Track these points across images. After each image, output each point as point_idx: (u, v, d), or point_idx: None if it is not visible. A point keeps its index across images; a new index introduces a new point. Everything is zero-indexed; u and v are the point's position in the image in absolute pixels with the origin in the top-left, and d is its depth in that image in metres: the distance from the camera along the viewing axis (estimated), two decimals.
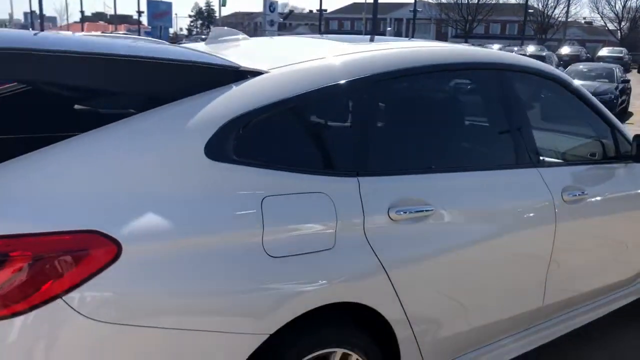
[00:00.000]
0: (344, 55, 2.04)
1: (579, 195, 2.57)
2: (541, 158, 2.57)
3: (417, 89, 2.27)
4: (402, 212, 1.92)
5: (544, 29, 53.38)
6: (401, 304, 1.93)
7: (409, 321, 1.97)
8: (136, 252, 1.40)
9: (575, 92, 2.85)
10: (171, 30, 42.77)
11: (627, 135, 3.00)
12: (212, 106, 1.65)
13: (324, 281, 1.72)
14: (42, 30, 24.68)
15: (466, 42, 39.98)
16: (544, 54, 22.12)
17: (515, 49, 32.04)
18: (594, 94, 14.16)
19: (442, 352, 2.20)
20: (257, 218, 1.61)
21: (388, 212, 1.89)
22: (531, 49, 31.31)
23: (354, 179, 1.86)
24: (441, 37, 66.76)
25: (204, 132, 1.60)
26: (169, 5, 38.68)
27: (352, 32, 69.36)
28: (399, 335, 1.97)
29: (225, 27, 2.64)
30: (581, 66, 16.66)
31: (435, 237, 2.02)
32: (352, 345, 1.86)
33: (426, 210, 1.99)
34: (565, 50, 33.79)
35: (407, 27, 55.14)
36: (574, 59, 29.01)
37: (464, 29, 51.77)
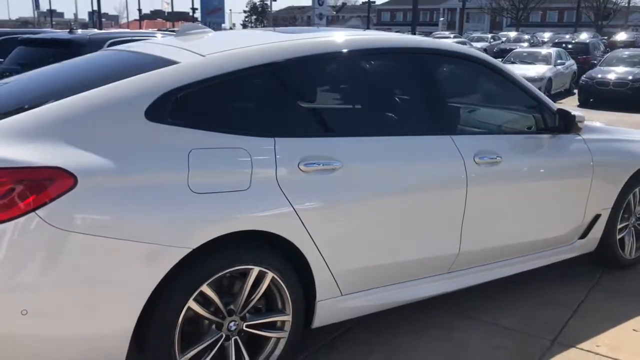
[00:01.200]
0: (267, 43, 2.62)
1: (492, 159, 3.02)
2: (458, 127, 3.04)
3: (330, 69, 2.80)
4: (311, 165, 2.46)
5: (604, 16, 51.58)
6: (310, 236, 2.47)
7: (319, 251, 2.51)
8: (89, 182, 2.01)
9: (502, 73, 3.29)
10: (224, 26, 44.05)
11: (554, 110, 3.41)
12: (152, 81, 2.26)
13: (237, 213, 2.29)
14: (100, 28, 26.19)
15: (517, 30, 39.32)
16: (587, 41, 21.71)
17: (567, 36, 31.47)
18: (631, 80, 13.99)
19: (356, 281, 2.71)
20: (183, 164, 2.19)
21: (298, 165, 2.44)
22: (584, 36, 30.67)
23: (271, 139, 2.42)
24: (496, 26, 65.60)
25: (144, 100, 2.20)
26: (222, 1, 39.97)
27: (404, 23, 69.09)
28: (311, 262, 2.51)
29: (199, 24, 3.29)
30: (625, 52, 16.33)
31: (343, 186, 2.54)
32: (268, 265, 2.42)
33: (333, 165, 2.52)
34: (620, 36, 32.77)
35: (460, 17, 54.48)
36: (629, 45, 28.16)
37: (516, 17, 50.72)
